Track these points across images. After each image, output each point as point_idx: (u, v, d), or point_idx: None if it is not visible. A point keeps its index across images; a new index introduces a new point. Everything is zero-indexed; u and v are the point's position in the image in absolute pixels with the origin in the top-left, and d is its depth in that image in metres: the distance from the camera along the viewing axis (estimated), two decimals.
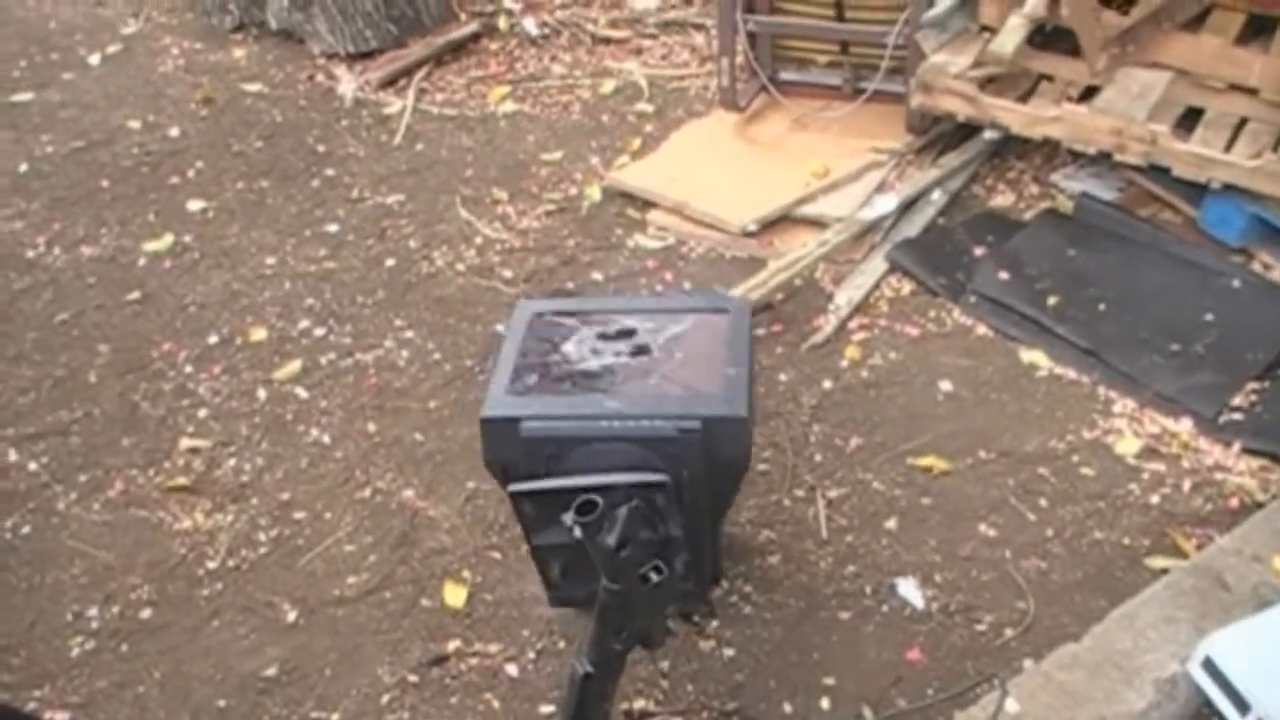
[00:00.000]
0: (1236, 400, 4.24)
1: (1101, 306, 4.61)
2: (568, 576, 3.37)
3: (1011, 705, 3.03)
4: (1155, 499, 3.91)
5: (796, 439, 4.15)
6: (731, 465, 3.24)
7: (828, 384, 4.41)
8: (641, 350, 3.35)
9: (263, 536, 3.90)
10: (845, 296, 4.73)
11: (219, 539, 3.91)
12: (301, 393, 4.45)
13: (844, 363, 4.50)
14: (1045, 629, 3.54)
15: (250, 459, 4.19)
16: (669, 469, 3.06)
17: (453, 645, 3.55)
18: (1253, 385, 4.29)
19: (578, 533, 2.70)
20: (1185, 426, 4.14)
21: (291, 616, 3.65)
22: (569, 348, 3.37)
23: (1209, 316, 4.54)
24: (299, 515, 3.96)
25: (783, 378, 4.42)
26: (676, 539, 3.11)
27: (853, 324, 4.67)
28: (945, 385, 4.38)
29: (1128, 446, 4.09)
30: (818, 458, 4.09)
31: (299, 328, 4.76)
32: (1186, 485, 3.94)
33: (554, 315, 3.50)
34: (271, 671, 3.50)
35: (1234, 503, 3.89)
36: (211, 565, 3.83)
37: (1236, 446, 4.09)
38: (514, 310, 3.54)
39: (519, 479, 3.13)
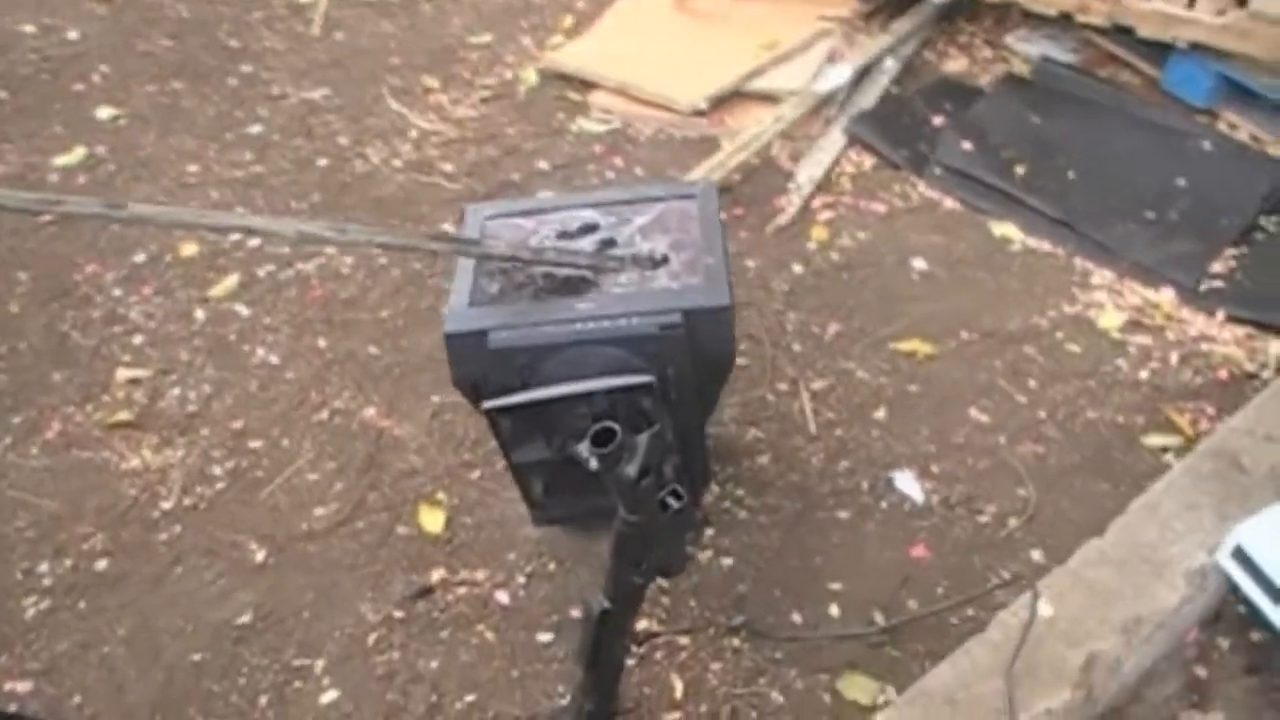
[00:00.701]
0: (1216, 267, 4.04)
1: (1070, 174, 4.35)
2: (552, 493, 3.10)
3: (1044, 608, 2.76)
4: (1144, 374, 3.68)
5: (773, 329, 3.85)
6: (718, 359, 2.96)
7: (798, 268, 4.11)
8: (608, 244, 3.04)
9: (218, 470, 3.52)
10: (806, 174, 4.42)
11: (171, 476, 3.53)
12: (242, 310, 4.05)
13: (812, 245, 4.19)
14: (1049, 517, 3.33)
15: (195, 386, 3.80)
16: (652, 369, 2.79)
17: (436, 575, 3.24)
18: (1230, 251, 4.09)
19: (594, 464, 2.36)
20: (1167, 297, 3.93)
21: (260, 556, 3.31)
22: (528, 250, 3.00)
23: (1180, 181, 4.30)
24: (255, 444, 3.59)
25: (750, 264, 4.10)
26: (667, 443, 2.80)
27: (816, 203, 4.37)
28: (919, 264, 4.10)
29: (1111, 320, 3.85)
30: (796, 348, 3.79)
31: (231, 239, 4.33)
32: (1174, 358, 3.72)
33: (507, 218, 3.16)
34: (245, 618, 3.17)
35: (1223, 374, 3.70)
36: (166, 506, 3.46)
37: (1220, 315, 3.91)
38: (464, 217, 3.16)
39: (491, 394, 2.83)
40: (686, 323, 2.78)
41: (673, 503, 2.50)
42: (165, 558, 3.35)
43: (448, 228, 4.29)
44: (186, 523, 3.43)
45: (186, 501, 3.49)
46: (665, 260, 2.96)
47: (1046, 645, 2.76)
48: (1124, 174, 4.26)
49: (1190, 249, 4.07)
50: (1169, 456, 3.46)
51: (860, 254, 4.16)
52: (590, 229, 3.09)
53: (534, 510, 3.18)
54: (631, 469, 2.38)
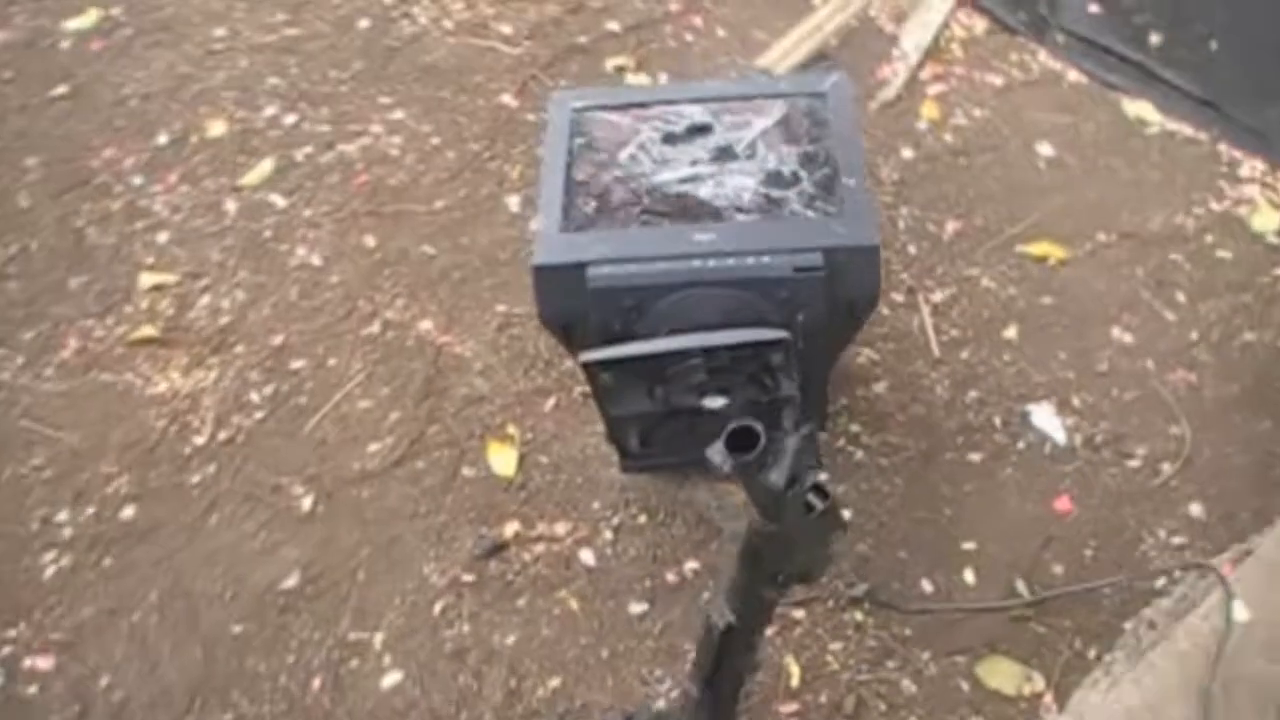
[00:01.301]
0: None
1: (1213, 45, 3.65)
2: (649, 444, 2.58)
3: (1239, 611, 2.21)
4: None
5: (884, 226, 3.25)
6: (858, 304, 2.45)
7: (908, 153, 3.48)
8: (724, 154, 2.49)
9: (255, 396, 2.98)
10: (911, 40, 3.75)
11: (203, 404, 3.01)
12: (278, 200, 3.44)
13: (922, 124, 3.54)
14: (1207, 461, 2.83)
15: (228, 294, 3.24)
16: (782, 316, 2.29)
17: (511, 528, 2.72)
18: None
19: (728, 468, 1.79)
20: None
21: (307, 504, 2.80)
22: (629, 156, 2.50)
23: None
24: (297, 364, 3.04)
25: None
26: (790, 398, 2.35)
27: (924, 74, 3.71)
28: (1044, 149, 3.46)
29: (1266, 221, 3.25)
30: (912, 249, 3.20)
31: (264, 116, 3.70)
32: None
33: (600, 110, 2.61)
34: (292, 582, 2.69)
35: None
36: (199, 440, 2.95)
37: None
38: (548, 106, 2.62)
39: (588, 338, 2.34)
40: (827, 264, 2.26)
41: (817, 503, 1.94)
42: (199, 504, 2.84)
43: (509, 100, 3.62)
44: (222, 461, 2.90)
45: (221, 435, 2.95)
46: (795, 179, 2.33)
47: (1244, 658, 2.22)
48: (1274, 45, 3.55)
49: None
50: None
51: (977, 136, 3.52)
52: (701, 131, 2.53)
53: (625, 460, 2.64)
54: (777, 477, 1.82)
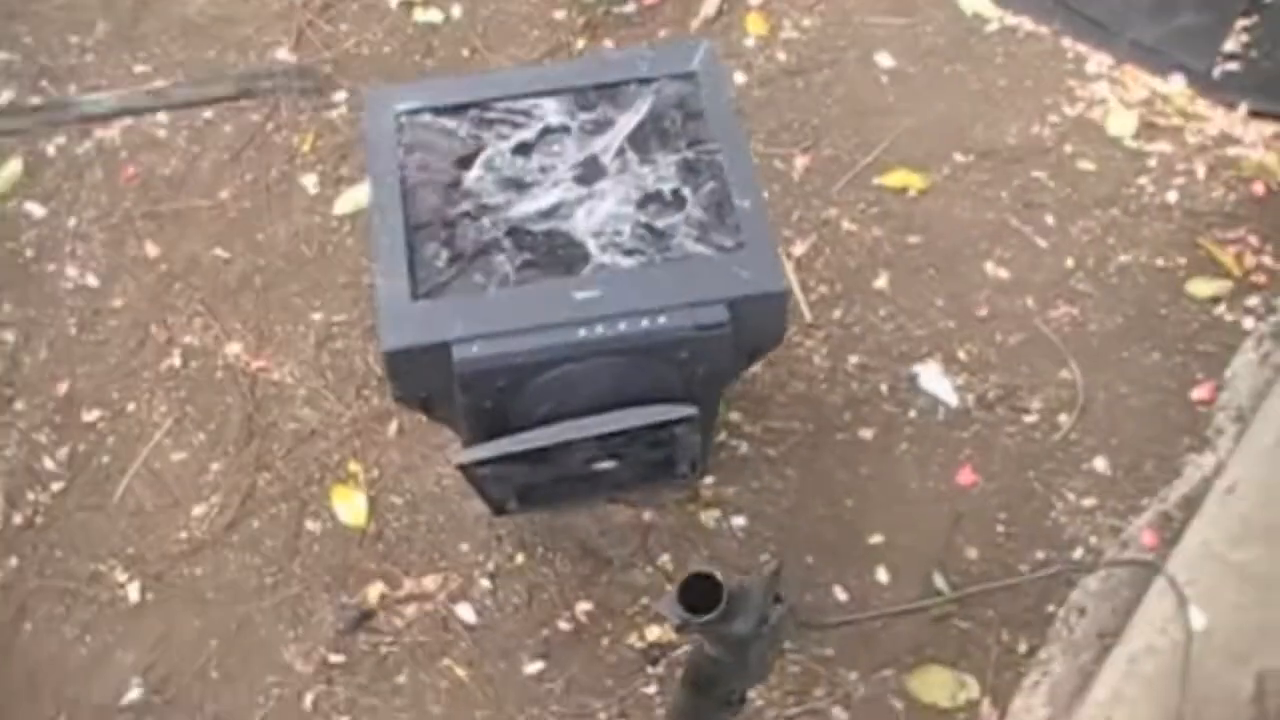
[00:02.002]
0: (1229, 45, 3.13)
1: None
2: (528, 501, 2.21)
3: (1195, 617, 1.96)
4: (1172, 195, 2.87)
5: None
6: (763, 349, 2.11)
7: (740, 77, 3.06)
8: (591, 169, 2.04)
9: (49, 463, 2.45)
10: None
11: None
12: (35, 209, 2.83)
13: (750, 42, 3.12)
14: (1103, 407, 2.62)
15: None
16: (681, 376, 1.93)
17: (374, 591, 2.30)
18: (1242, 23, 3.19)
19: (677, 623, 1.42)
20: (1177, 86, 3.05)
21: (133, 591, 2.33)
22: (477, 179, 2.03)
23: None
24: (91, 416, 2.51)
25: None
26: (691, 452, 2.06)
27: None
28: (883, 59, 3.10)
29: (1122, 124, 2.96)
30: (763, 194, 2.74)
31: (1, 101, 2.97)
32: (1200, 170, 2.92)
33: (430, 113, 2.10)
34: (134, 694, 2.27)
35: (1259, 188, 2.92)
36: None
37: (1242, 109, 3.07)
38: (364, 110, 2.11)
39: (450, 412, 1.98)
40: (731, 315, 1.87)
41: (772, 615, 1.58)
42: (6, 610, 2.35)
43: (285, 55, 3.02)
44: (24, 552, 2.38)
45: (17, 519, 2.41)
46: (679, 200, 1.89)
47: (1207, 666, 1.97)
48: None
49: (1196, 21, 3.18)
50: (1221, 309, 2.65)
51: (811, 50, 3.13)
52: (557, 135, 2.05)
53: (496, 512, 2.21)
54: (744, 625, 1.45)
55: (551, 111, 2.09)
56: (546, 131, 2.07)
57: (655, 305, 1.85)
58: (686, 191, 1.99)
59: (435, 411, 1.99)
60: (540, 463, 1.91)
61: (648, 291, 1.87)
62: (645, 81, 2.14)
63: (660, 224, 1.95)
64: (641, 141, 2.06)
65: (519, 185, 2.00)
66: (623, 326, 1.83)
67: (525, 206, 1.97)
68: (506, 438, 1.84)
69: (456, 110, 2.09)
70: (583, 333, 1.83)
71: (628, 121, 2.07)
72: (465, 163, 2.02)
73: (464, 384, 1.83)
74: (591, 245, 1.93)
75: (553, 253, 1.93)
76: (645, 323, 1.84)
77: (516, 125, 2.07)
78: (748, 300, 1.87)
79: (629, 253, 1.93)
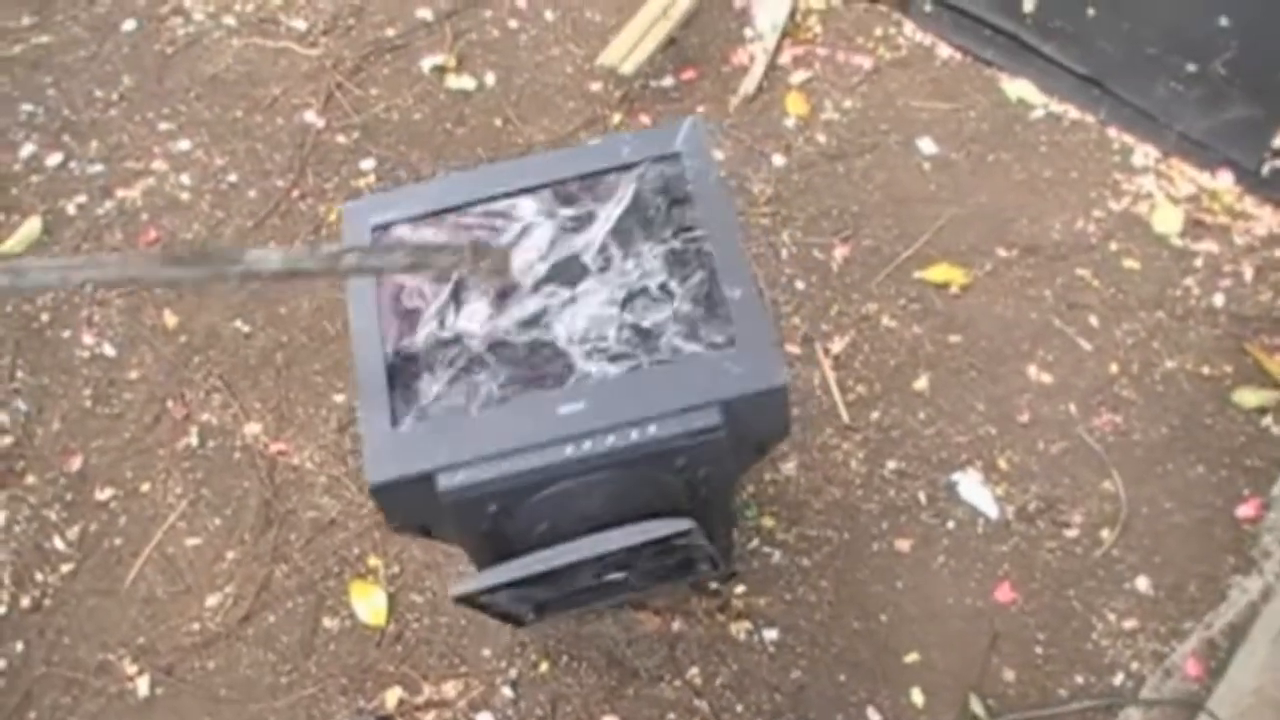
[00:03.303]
0: (1278, 140, 3.02)
1: (1090, 11, 3.22)
2: (545, 612, 2.15)
3: None
4: (1219, 298, 2.81)
5: (764, 256, 2.78)
6: (768, 443, 2.00)
7: (779, 160, 2.98)
8: (571, 270, 1.95)
9: (60, 543, 2.36)
10: (765, 17, 3.20)
11: None
12: None
13: (790, 122, 3.04)
14: (1145, 521, 2.53)
15: (6, 404, 2.63)
16: (680, 481, 1.85)
17: (393, 696, 2.22)
18: None
19: None
20: (1225, 183, 3.00)
21: (143, 685, 2.25)
22: (453, 295, 1.96)
23: (1223, 21, 3.20)
24: (103, 494, 2.43)
25: (718, 156, 2.96)
26: (701, 549, 1.97)
27: (783, 58, 3.18)
28: (926, 145, 3.02)
29: (1168, 221, 2.90)
30: (799, 284, 2.74)
31: (22, 155, 2.95)
32: (1248, 271, 2.85)
33: (406, 224, 2.02)
34: None
35: None
36: None
37: None
38: (342, 225, 2.02)
39: (448, 534, 1.91)
40: (726, 416, 1.77)
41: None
42: (9, 698, 2.28)
43: (313, 118, 2.94)
44: (30, 636, 2.32)
45: (25, 601, 2.33)
46: (666, 293, 1.86)
47: None
48: (1154, 10, 3.16)
49: (1246, 115, 3.08)
50: (1268, 420, 2.57)
51: (852, 133, 3.05)
52: (537, 233, 1.99)
53: (517, 625, 2.13)
54: None
55: (530, 211, 2.00)
56: (525, 233, 1.98)
57: (644, 415, 1.75)
58: (674, 284, 1.89)
59: (438, 537, 1.91)
60: (547, 582, 1.84)
61: (636, 400, 1.77)
62: (627, 168, 2.04)
63: (647, 323, 1.86)
64: (625, 234, 1.96)
65: (499, 297, 1.92)
66: (611, 440, 1.74)
67: (505, 319, 1.89)
68: (502, 566, 1.77)
69: (431, 217, 2.00)
70: (570, 450, 1.75)
71: (610, 214, 1.98)
72: (444, 275, 1.93)
73: (454, 512, 1.76)
74: (575, 354, 1.85)
75: (536, 365, 1.84)
76: (634, 434, 1.75)
77: (495, 229, 1.98)
78: (743, 400, 1.78)
79: (615, 358, 1.84)
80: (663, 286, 1.91)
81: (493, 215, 2.00)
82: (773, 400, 1.83)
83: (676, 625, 2.37)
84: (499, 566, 1.78)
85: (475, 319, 1.90)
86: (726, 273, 1.89)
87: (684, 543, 1.88)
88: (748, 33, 3.30)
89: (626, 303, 1.89)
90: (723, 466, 1.88)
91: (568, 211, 2.00)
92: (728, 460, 1.88)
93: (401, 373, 1.84)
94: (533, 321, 1.89)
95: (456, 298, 1.90)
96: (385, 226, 1.98)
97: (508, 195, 2.02)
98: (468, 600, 1.82)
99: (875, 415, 2.64)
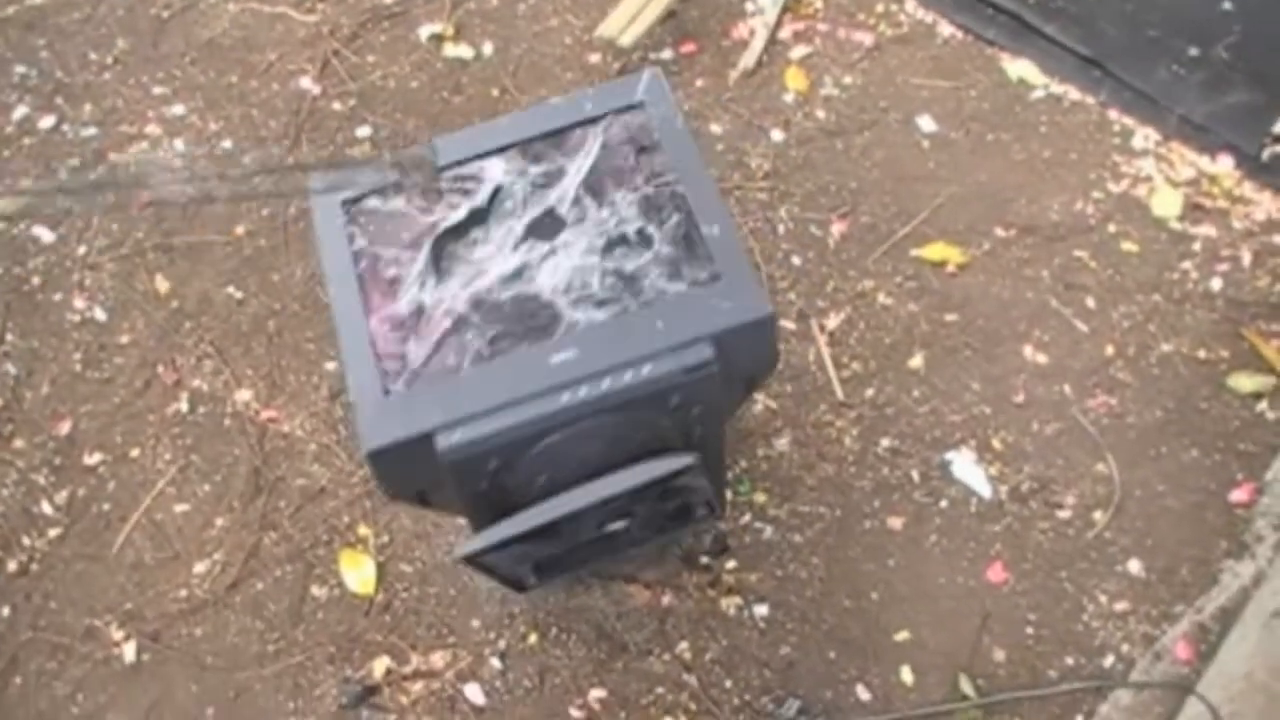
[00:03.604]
0: (1278, 126, 2.97)
1: None
2: (545, 573, 2.12)
3: None
4: (1216, 283, 2.79)
5: (760, 231, 2.76)
6: (757, 378, 2.02)
7: (778, 135, 2.96)
8: (548, 223, 1.94)
9: (47, 507, 2.34)
10: None
11: None
12: (44, 235, 2.71)
13: (789, 97, 3.02)
14: (1139, 504, 2.52)
15: None
16: (675, 421, 1.85)
17: (380, 665, 2.20)
18: None
19: None
20: (1225, 167, 2.98)
21: (129, 651, 2.22)
22: (432, 257, 1.93)
23: (1226, 4, 3.20)
24: (92, 459, 2.40)
25: (716, 130, 2.93)
26: (699, 490, 1.98)
27: (784, 32, 3.15)
28: (925, 123, 3.00)
29: (1167, 204, 2.88)
30: (796, 260, 2.72)
31: (15, 118, 2.95)
32: (1245, 256, 2.84)
33: (375, 197, 1.98)
34: None
35: None
36: None
37: None
38: (312, 209, 1.96)
39: (446, 500, 1.89)
40: (718, 350, 1.77)
41: None
42: None
43: (309, 84, 2.91)
44: (20, 599, 2.31)
45: (12, 565, 2.28)
46: (645, 239, 1.87)
47: None
48: None
49: (1247, 100, 3.07)
50: (1263, 405, 2.55)
51: (851, 109, 3.02)
52: (509, 193, 1.98)
53: (516, 590, 2.11)
54: None
55: (500, 171, 1.98)
56: (498, 192, 1.96)
57: (636, 356, 1.76)
58: (651, 229, 1.89)
59: (434, 504, 1.89)
60: (550, 537, 1.84)
61: (627, 342, 1.77)
62: (592, 121, 2.03)
63: (629, 267, 1.86)
64: (597, 185, 1.96)
65: (477, 255, 1.90)
66: (606, 384, 1.74)
67: (487, 276, 1.88)
68: (506, 522, 1.76)
69: (401, 189, 1.98)
70: (566, 398, 1.74)
71: (579, 166, 1.97)
72: (418, 243, 1.92)
73: (454, 472, 1.75)
74: (561, 304, 1.84)
75: (523, 319, 1.83)
76: (629, 375, 1.75)
77: (466, 192, 1.97)
78: (732, 332, 1.78)
79: (601, 304, 1.84)
80: (640, 232, 1.91)
81: (463, 179, 1.98)
82: (761, 331, 1.84)
83: (666, 599, 2.35)
84: (506, 521, 1.77)
85: (456, 280, 1.86)
86: (702, 212, 1.89)
87: (684, 483, 1.89)
88: (748, 7, 3.27)
89: (606, 250, 1.89)
90: (715, 404, 1.89)
91: (537, 169, 1.99)
92: (720, 397, 1.89)
93: (387, 340, 1.82)
94: (515, 276, 1.88)
95: (436, 264, 1.87)
96: (355, 199, 1.96)
97: (476, 158, 2.00)
98: (472, 560, 1.81)
99: (870, 392, 2.63)
